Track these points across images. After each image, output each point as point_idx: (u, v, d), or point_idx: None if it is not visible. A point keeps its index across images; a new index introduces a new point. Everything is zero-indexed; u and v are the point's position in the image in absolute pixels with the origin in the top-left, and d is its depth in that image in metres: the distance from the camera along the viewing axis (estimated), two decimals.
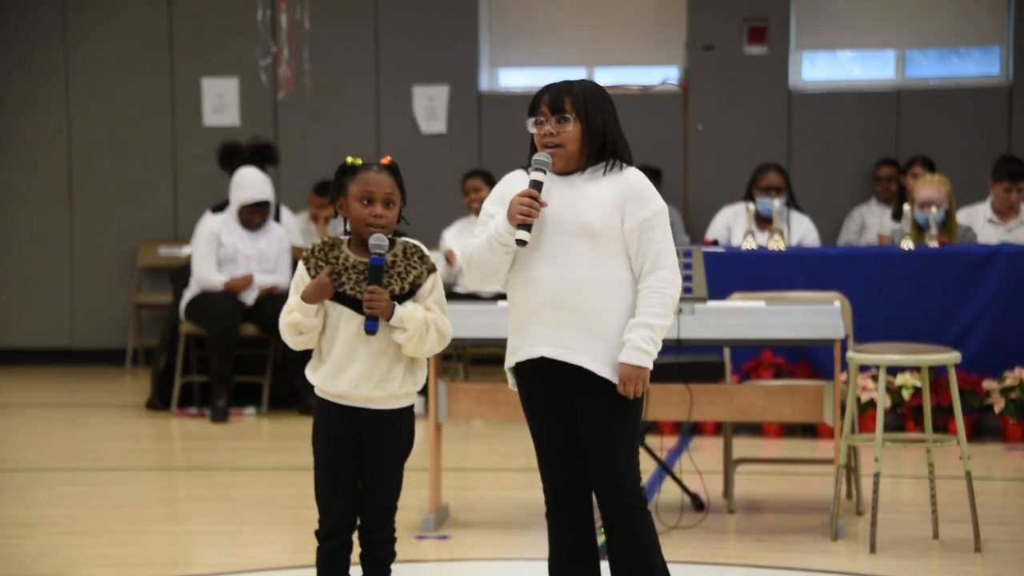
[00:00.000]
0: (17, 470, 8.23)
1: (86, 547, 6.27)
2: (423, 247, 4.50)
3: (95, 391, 11.34)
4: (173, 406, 10.00)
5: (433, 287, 4.46)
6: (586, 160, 4.44)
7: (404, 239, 4.50)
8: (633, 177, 4.43)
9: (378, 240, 4.39)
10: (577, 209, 4.37)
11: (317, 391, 4.51)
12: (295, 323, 4.44)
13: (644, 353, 4.33)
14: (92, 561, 6.01)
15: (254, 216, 9.94)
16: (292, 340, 4.48)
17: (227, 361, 9.74)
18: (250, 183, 9.95)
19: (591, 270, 4.36)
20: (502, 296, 9.45)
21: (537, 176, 4.38)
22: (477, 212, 10.18)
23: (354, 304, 4.41)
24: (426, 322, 4.40)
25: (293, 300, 4.45)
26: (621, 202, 4.38)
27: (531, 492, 6.98)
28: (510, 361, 4.50)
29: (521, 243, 4.35)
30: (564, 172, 4.43)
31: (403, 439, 4.51)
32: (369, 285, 4.38)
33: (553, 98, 4.42)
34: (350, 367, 4.42)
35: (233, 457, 8.70)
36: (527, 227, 4.34)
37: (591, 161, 4.44)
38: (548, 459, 4.49)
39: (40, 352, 12.63)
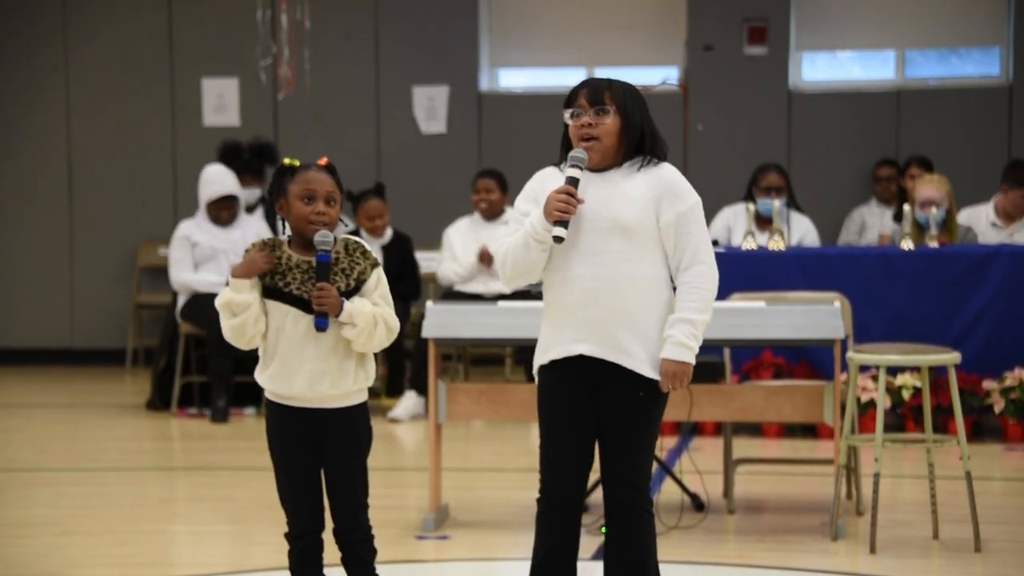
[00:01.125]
0: (17, 470, 8.23)
1: (86, 547, 6.27)
2: (365, 243, 4.51)
3: (95, 391, 11.34)
4: (173, 406, 10.01)
5: (378, 282, 4.47)
6: (622, 156, 4.44)
7: (345, 236, 4.51)
8: (668, 172, 4.44)
9: (323, 236, 4.40)
10: (613, 206, 4.37)
11: (268, 394, 4.50)
12: (226, 301, 4.39)
13: (687, 349, 4.35)
14: (92, 561, 6.02)
15: (222, 212, 9.96)
16: (228, 325, 4.41)
17: (227, 361, 9.73)
18: (214, 179, 10.01)
19: (627, 267, 4.37)
20: (503, 296, 9.45)
21: (574, 172, 4.38)
22: (484, 212, 10.21)
23: (300, 304, 4.41)
24: (374, 317, 4.40)
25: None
26: (656, 197, 4.39)
27: (531, 492, 6.96)
28: (544, 358, 4.48)
29: (558, 240, 4.35)
30: (599, 168, 4.43)
31: (362, 436, 4.51)
32: (317, 282, 4.38)
33: (592, 91, 4.43)
34: (302, 368, 4.41)
35: (233, 457, 8.70)
36: (564, 224, 4.34)
37: (626, 157, 4.45)
38: (557, 457, 4.48)
39: (40, 352, 12.64)
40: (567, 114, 4.46)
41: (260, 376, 4.50)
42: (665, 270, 4.42)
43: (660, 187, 4.40)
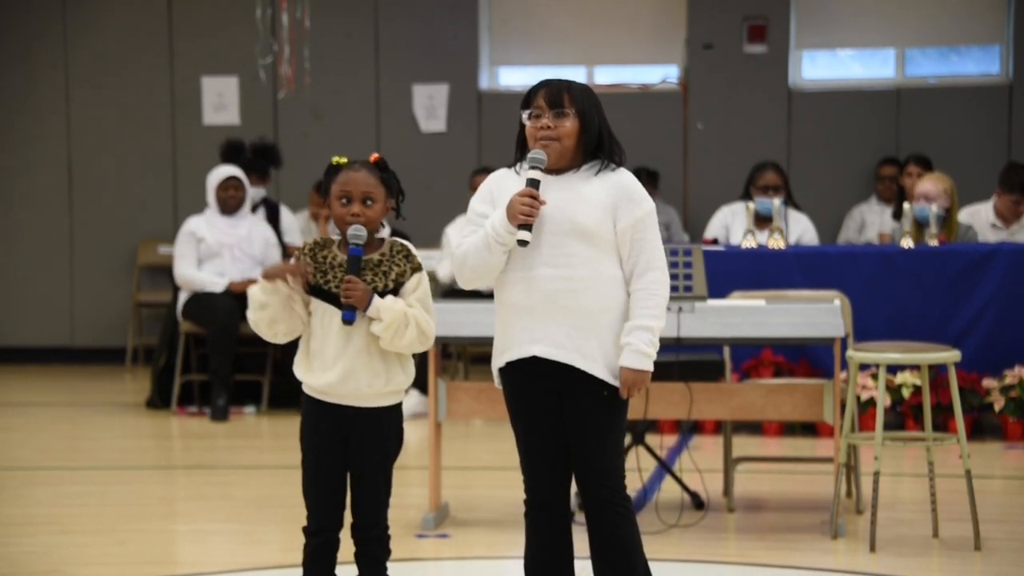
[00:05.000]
0: (17, 469, 8.23)
1: (85, 546, 6.27)
2: (410, 246, 4.52)
3: (95, 390, 11.33)
4: (173, 405, 10.01)
5: (417, 285, 4.48)
6: (581, 158, 4.44)
7: (393, 238, 4.52)
8: (625, 178, 4.44)
9: (356, 231, 4.42)
10: (571, 209, 4.38)
11: (304, 387, 4.53)
12: (250, 295, 4.46)
13: (646, 357, 4.36)
14: (92, 560, 6.01)
15: (229, 191, 9.98)
16: (257, 316, 4.45)
17: (227, 360, 9.74)
18: (222, 168, 10.13)
19: (585, 269, 4.37)
20: None
21: (534, 174, 4.38)
22: None
23: (337, 301, 4.44)
24: (405, 316, 4.40)
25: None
26: (613, 202, 4.39)
27: None
28: (500, 361, 4.51)
29: (523, 243, 4.34)
30: (556, 170, 4.43)
31: (391, 438, 4.52)
32: (347, 275, 4.40)
33: (551, 93, 4.43)
34: (335, 364, 4.44)
35: (233, 456, 8.71)
36: (528, 227, 4.34)
37: (584, 160, 4.44)
38: (532, 459, 4.49)
39: (40, 350, 12.64)
40: (524, 115, 4.45)
41: (297, 368, 4.52)
42: (620, 271, 4.42)
43: (617, 192, 4.40)
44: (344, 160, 4.51)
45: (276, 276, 4.45)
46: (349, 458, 4.49)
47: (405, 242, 4.53)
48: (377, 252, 4.47)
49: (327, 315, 4.46)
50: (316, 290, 4.47)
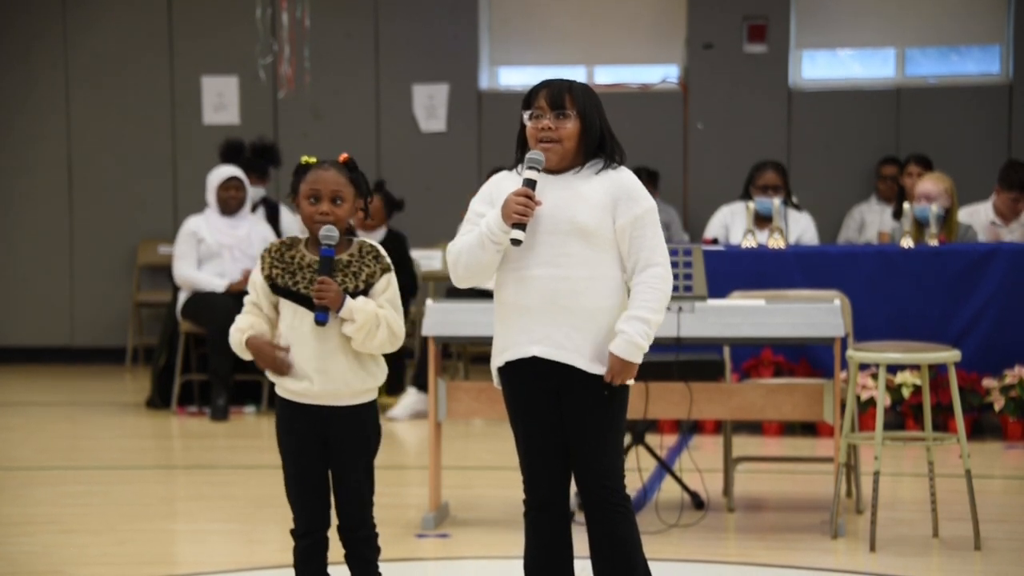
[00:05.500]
0: (17, 468, 8.23)
1: (86, 545, 6.27)
2: (379, 247, 4.51)
3: (95, 389, 11.34)
4: (173, 404, 10.01)
5: (387, 286, 4.47)
6: (582, 159, 4.44)
7: (361, 239, 4.51)
8: (625, 176, 4.44)
9: (328, 231, 4.41)
10: (571, 209, 4.37)
11: (278, 390, 4.51)
12: (240, 349, 4.49)
13: (637, 348, 4.34)
14: (92, 559, 6.01)
15: (230, 191, 9.99)
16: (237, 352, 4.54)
17: (227, 359, 9.73)
18: (221, 167, 10.15)
19: (585, 269, 4.36)
20: None
21: (531, 175, 4.38)
22: None
23: (307, 302, 4.42)
24: (377, 316, 4.40)
25: (246, 319, 4.48)
26: (613, 200, 4.38)
27: None
28: (499, 360, 4.50)
29: (516, 242, 4.34)
30: (557, 170, 4.43)
31: (369, 436, 4.52)
32: (319, 276, 4.39)
33: (553, 94, 4.42)
34: (308, 365, 4.43)
35: (233, 455, 8.71)
36: (521, 226, 4.34)
37: (585, 160, 4.44)
38: (531, 459, 4.49)
39: (40, 350, 12.64)
40: (525, 115, 4.45)
41: (270, 372, 4.52)
42: (621, 272, 4.41)
43: (617, 190, 4.39)
44: (313, 160, 4.51)
45: (263, 364, 4.46)
46: (329, 458, 4.49)
47: (374, 243, 4.52)
48: (346, 253, 4.46)
49: (297, 317, 4.44)
50: (285, 292, 4.45)
